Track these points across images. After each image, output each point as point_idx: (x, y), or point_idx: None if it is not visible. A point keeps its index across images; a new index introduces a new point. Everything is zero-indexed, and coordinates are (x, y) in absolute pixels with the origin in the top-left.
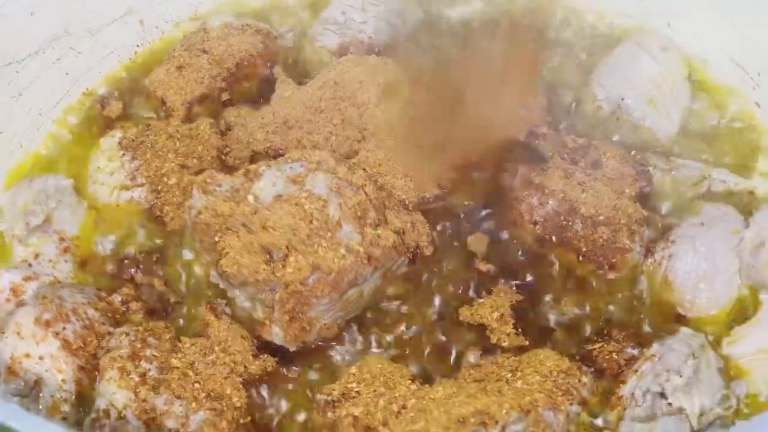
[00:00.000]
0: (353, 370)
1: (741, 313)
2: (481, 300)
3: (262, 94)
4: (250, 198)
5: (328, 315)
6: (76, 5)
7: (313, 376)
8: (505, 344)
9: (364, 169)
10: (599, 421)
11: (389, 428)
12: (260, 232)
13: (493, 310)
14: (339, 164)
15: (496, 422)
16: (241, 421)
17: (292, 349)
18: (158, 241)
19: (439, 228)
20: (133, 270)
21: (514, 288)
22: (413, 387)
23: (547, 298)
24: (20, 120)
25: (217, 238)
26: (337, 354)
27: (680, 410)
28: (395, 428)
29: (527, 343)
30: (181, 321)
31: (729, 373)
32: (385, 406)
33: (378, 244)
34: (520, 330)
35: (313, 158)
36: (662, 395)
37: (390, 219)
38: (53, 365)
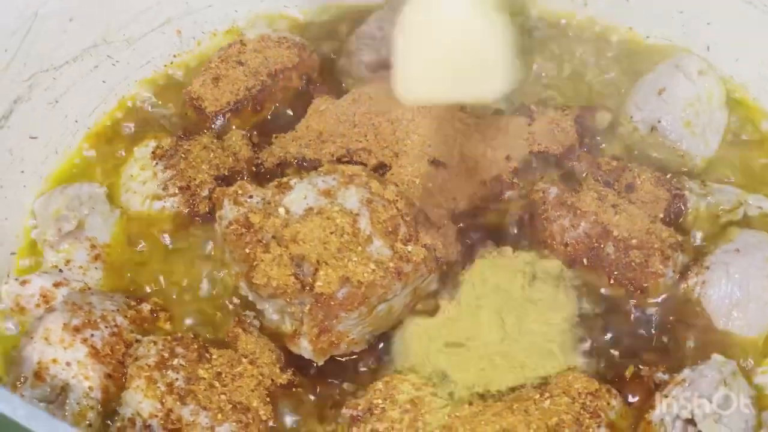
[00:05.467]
0: (379, 385)
1: None
2: None
3: (296, 107)
4: (281, 210)
5: (357, 330)
6: (114, 13)
7: (340, 390)
8: None
9: (397, 184)
10: None
11: None
12: (290, 245)
13: None
14: (371, 179)
15: None
16: None
17: (320, 363)
18: None
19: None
20: None
21: None
22: (439, 404)
23: (578, 320)
24: (56, 126)
25: (247, 250)
26: (365, 369)
27: None
28: None
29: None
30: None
31: (761, 403)
32: (410, 424)
33: (408, 259)
34: None
35: (346, 172)
36: (692, 422)
37: (421, 235)
38: (80, 372)
